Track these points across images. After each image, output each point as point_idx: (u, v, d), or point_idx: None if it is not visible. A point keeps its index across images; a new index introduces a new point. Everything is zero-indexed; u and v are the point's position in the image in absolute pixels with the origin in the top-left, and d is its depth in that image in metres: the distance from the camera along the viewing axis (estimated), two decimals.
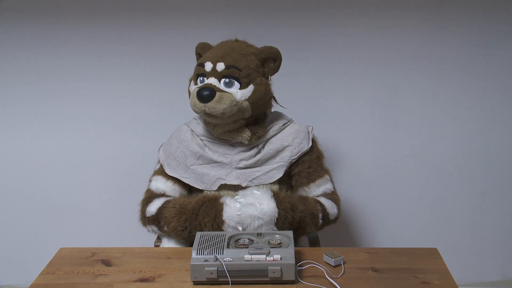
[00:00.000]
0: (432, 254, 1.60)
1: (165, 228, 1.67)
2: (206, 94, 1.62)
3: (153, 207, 1.70)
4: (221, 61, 1.68)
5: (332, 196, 1.80)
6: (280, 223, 1.60)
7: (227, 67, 1.67)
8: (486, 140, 2.37)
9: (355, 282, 1.45)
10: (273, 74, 1.77)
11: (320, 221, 1.70)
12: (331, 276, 1.46)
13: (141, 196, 1.81)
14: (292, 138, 1.76)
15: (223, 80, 1.67)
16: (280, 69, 1.77)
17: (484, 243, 2.49)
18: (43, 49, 2.25)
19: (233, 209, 1.59)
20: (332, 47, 2.26)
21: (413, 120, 2.34)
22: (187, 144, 1.76)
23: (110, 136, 2.35)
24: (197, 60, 1.80)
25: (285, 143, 1.75)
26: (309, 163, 1.77)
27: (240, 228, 1.58)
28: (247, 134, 1.72)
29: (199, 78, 1.71)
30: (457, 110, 2.33)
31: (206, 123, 1.75)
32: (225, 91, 1.65)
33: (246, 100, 1.67)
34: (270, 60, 1.73)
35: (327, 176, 1.81)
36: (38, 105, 2.32)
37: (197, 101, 1.64)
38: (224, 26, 2.21)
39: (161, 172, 1.79)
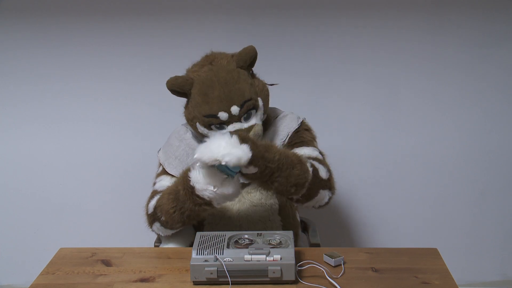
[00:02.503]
0: (432, 254, 1.60)
1: (162, 218, 1.62)
2: None
3: (153, 202, 1.69)
4: (233, 105, 1.63)
5: (318, 160, 1.69)
6: (254, 157, 1.43)
7: (241, 106, 1.64)
8: (486, 140, 2.37)
9: (355, 282, 1.45)
10: (253, 66, 1.74)
11: (311, 169, 1.57)
12: (331, 276, 1.46)
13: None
14: (280, 123, 1.76)
15: (242, 117, 1.65)
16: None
17: (484, 243, 2.49)
18: (43, 49, 2.25)
19: (195, 171, 1.48)
20: (332, 47, 2.26)
21: (413, 120, 2.34)
22: (189, 142, 1.76)
23: (110, 136, 2.35)
24: (175, 94, 1.71)
25: (274, 129, 1.76)
26: (294, 138, 1.74)
27: (211, 188, 1.46)
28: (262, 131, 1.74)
29: (214, 125, 1.66)
30: (457, 110, 2.33)
31: None
32: (252, 126, 1.64)
33: (264, 113, 1.70)
34: (249, 59, 1.69)
35: (314, 148, 1.74)
36: (38, 105, 2.32)
37: None
38: (224, 26, 2.21)
39: (164, 172, 1.78)
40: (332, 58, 2.26)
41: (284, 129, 1.75)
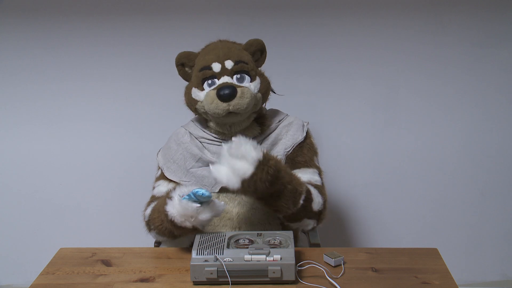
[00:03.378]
0: (432, 254, 1.60)
1: (156, 231, 1.63)
2: (228, 93, 1.59)
3: (148, 210, 1.70)
4: (228, 59, 1.67)
5: (319, 188, 1.71)
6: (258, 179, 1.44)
7: (236, 63, 1.67)
8: (486, 140, 2.37)
9: (355, 282, 1.45)
10: (261, 65, 1.78)
11: (301, 202, 1.58)
12: (331, 276, 1.46)
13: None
14: (285, 130, 1.76)
15: (235, 76, 1.67)
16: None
17: (484, 243, 2.49)
18: (43, 49, 2.25)
19: (170, 205, 1.48)
20: (332, 47, 2.26)
21: (413, 120, 2.34)
22: (186, 146, 1.75)
23: (110, 136, 2.35)
24: (181, 71, 1.75)
25: (279, 136, 1.75)
26: (298, 152, 1.75)
27: (189, 219, 1.46)
28: (257, 129, 1.74)
29: (206, 82, 1.67)
30: (457, 110, 2.33)
31: (220, 126, 1.70)
32: (242, 85, 1.65)
33: (259, 91, 1.69)
34: (258, 52, 1.75)
35: (315, 170, 1.75)
36: (38, 105, 2.32)
37: (219, 102, 1.60)
38: (224, 26, 2.21)
39: (162, 176, 1.78)
40: (332, 57, 2.26)
41: (290, 139, 1.75)
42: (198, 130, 1.77)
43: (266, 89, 1.73)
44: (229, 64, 1.67)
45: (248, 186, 1.44)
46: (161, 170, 1.79)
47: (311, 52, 2.26)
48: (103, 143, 2.36)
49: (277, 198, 1.53)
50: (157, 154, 1.83)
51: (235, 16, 2.22)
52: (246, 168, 1.42)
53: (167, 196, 1.53)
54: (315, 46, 2.25)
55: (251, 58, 1.73)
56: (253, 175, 1.42)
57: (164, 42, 2.24)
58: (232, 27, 2.21)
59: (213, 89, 1.64)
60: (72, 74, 2.28)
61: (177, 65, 1.76)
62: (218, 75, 1.67)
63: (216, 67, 1.67)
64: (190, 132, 1.78)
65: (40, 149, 2.36)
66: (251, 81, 1.69)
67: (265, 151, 1.48)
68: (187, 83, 1.78)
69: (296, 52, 2.25)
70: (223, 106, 1.61)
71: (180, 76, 1.78)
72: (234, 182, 1.43)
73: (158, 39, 2.24)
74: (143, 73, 2.28)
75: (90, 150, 2.36)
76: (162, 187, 1.75)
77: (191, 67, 1.74)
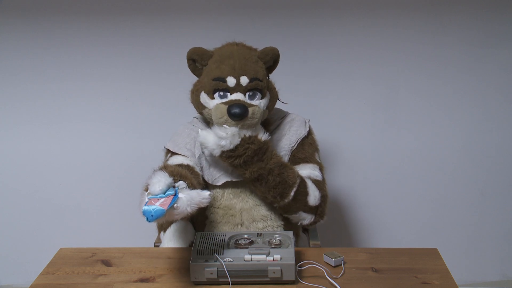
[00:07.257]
0: (432, 254, 1.60)
1: None
2: (239, 112, 1.55)
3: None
4: (243, 75, 1.63)
5: (318, 183, 1.72)
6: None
7: (251, 80, 1.63)
8: (486, 140, 2.37)
9: (355, 282, 1.45)
10: (271, 72, 1.77)
11: (292, 194, 1.63)
12: (331, 276, 1.46)
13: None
14: (288, 126, 1.77)
15: (247, 93, 1.64)
16: (280, 68, 1.77)
17: (484, 243, 2.49)
18: (43, 49, 2.25)
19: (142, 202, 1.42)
20: (332, 47, 2.26)
21: (413, 120, 2.34)
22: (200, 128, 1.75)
23: (110, 136, 2.35)
24: (191, 65, 1.72)
25: (283, 132, 1.76)
26: (299, 148, 1.76)
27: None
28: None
29: (218, 93, 1.64)
30: (457, 110, 2.33)
31: None
32: (253, 104, 1.62)
33: (267, 108, 1.68)
34: (271, 61, 1.72)
35: (315, 165, 1.76)
36: (38, 105, 2.32)
37: (229, 119, 1.57)
38: (224, 26, 2.21)
39: (174, 154, 1.75)
40: (332, 57, 2.27)
41: (294, 135, 1.76)
42: (204, 127, 1.77)
43: (273, 103, 1.72)
44: (244, 80, 1.63)
45: (226, 157, 1.59)
46: (171, 154, 1.76)
47: (311, 52, 2.26)
48: (103, 143, 2.36)
49: (260, 184, 1.63)
50: (165, 146, 1.80)
51: (235, 16, 2.22)
52: (230, 141, 1.57)
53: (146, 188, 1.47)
54: (315, 46, 2.26)
55: (265, 70, 1.70)
56: (234, 149, 1.57)
57: (164, 42, 2.24)
58: (232, 27, 2.21)
59: (224, 103, 1.61)
60: (72, 74, 2.28)
61: (188, 59, 1.71)
62: (231, 90, 1.64)
63: (231, 81, 1.63)
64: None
65: (40, 149, 2.36)
66: (261, 98, 1.66)
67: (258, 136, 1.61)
68: (191, 75, 1.75)
69: (296, 52, 2.25)
70: (232, 123, 1.58)
71: (189, 69, 1.74)
72: (216, 151, 1.59)
73: (158, 39, 2.24)
74: (143, 73, 2.28)
75: (90, 150, 2.36)
76: (174, 159, 1.72)
77: (202, 65, 1.71)
